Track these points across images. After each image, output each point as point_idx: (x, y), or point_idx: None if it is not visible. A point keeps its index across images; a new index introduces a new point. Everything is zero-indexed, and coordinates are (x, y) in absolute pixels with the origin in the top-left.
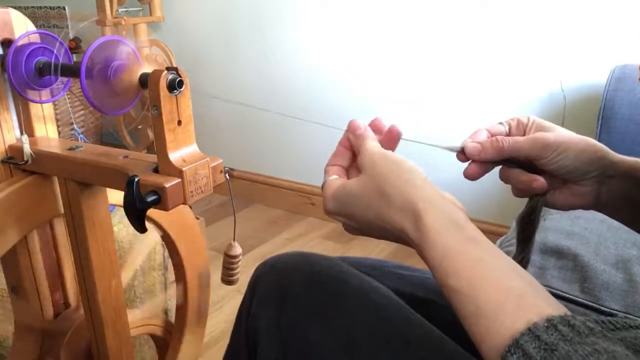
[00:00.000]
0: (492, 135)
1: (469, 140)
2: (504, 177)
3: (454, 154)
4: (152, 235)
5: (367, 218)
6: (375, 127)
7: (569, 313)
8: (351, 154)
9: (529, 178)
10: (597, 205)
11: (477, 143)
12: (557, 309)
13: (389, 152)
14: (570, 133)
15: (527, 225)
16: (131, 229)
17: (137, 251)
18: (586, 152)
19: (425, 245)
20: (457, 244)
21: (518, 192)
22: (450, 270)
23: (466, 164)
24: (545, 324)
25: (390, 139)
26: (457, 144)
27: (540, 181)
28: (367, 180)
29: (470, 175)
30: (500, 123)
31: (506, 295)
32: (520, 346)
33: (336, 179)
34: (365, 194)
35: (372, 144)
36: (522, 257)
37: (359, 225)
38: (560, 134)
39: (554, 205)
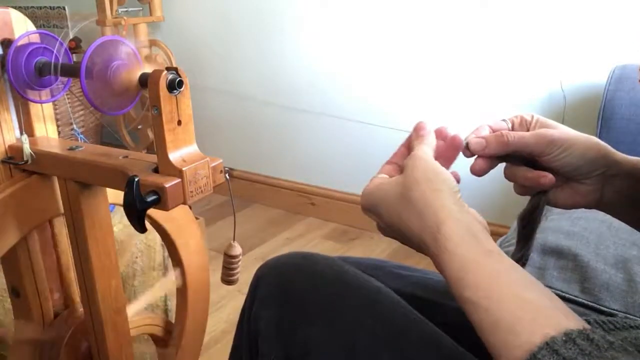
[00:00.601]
0: (495, 131)
1: (473, 136)
2: (509, 174)
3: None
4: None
5: (391, 220)
6: (438, 133)
7: (587, 327)
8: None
9: (536, 174)
10: (600, 204)
11: (481, 138)
12: (575, 322)
13: (434, 161)
14: (575, 131)
15: (529, 223)
16: (131, 229)
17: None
18: (591, 151)
19: (442, 256)
20: (474, 256)
21: (521, 189)
22: (468, 281)
23: (471, 161)
24: (564, 338)
25: (452, 148)
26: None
27: (548, 177)
28: (399, 183)
29: (476, 171)
30: (503, 120)
31: (524, 308)
32: None
33: (380, 177)
34: (393, 196)
35: (424, 148)
36: (521, 254)
37: (386, 226)
38: (565, 131)
39: (557, 204)
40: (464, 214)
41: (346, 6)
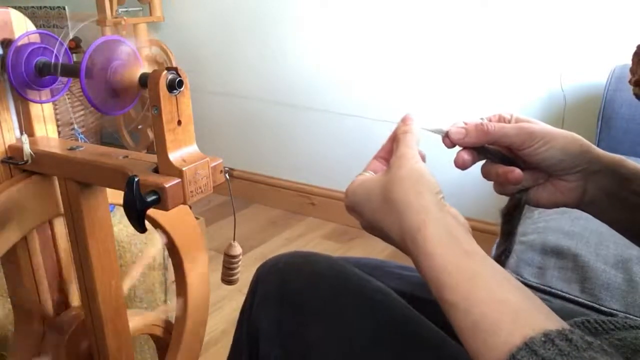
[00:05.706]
0: None
1: (453, 127)
2: (485, 172)
3: (450, 153)
4: (157, 241)
5: (374, 218)
6: None
7: (566, 327)
8: None
9: (505, 170)
10: (581, 203)
11: (461, 128)
12: (555, 322)
13: (420, 161)
14: (556, 128)
15: (510, 220)
16: (131, 229)
17: (144, 255)
18: (572, 145)
19: (422, 257)
20: (453, 258)
21: (498, 187)
22: (447, 283)
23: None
24: (543, 339)
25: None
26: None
27: (516, 172)
28: (382, 181)
29: (459, 164)
30: (481, 119)
31: (502, 309)
32: None
33: (364, 175)
34: (375, 195)
35: (411, 145)
36: (504, 247)
37: (369, 224)
38: (546, 126)
39: (538, 203)
40: (444, 215)
41: (346, 6)
